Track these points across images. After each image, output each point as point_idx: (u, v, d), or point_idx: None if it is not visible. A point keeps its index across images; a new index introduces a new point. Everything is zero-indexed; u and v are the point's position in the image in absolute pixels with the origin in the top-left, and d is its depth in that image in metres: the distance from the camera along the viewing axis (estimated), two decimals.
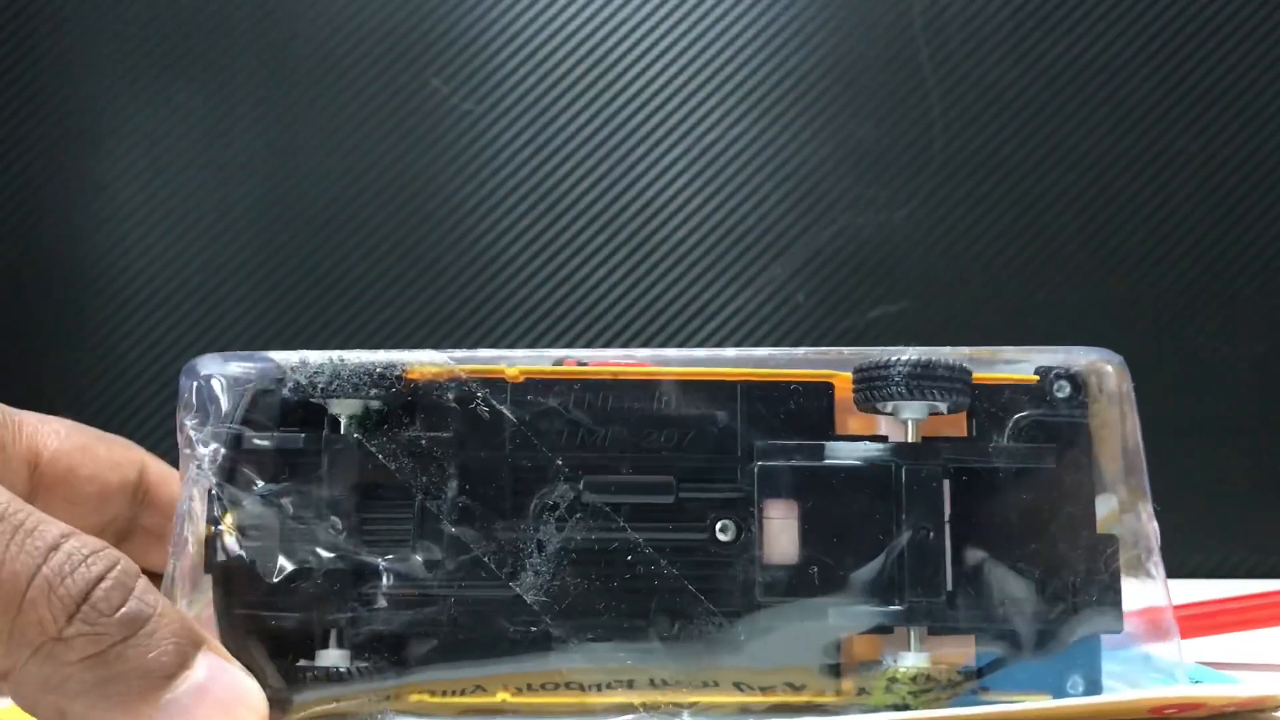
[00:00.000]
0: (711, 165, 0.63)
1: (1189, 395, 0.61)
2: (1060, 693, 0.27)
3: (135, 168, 0.66)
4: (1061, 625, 0.27)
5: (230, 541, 0.27)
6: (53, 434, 0.33)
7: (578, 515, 0.27)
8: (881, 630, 0.27)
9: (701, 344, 0.62)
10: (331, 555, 0.27)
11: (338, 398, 0.28)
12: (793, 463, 0.28)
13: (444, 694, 0.27)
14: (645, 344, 0.62)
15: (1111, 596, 0.28)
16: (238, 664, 0.25)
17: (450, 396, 0.28)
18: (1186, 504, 0.60)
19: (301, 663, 0.27)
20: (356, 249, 0.64)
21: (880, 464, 0.28)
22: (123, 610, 0.23)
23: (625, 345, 0.63)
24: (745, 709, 0.27)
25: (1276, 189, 0.61)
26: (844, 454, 0.28)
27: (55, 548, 0.23)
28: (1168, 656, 0.28)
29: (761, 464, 0.28)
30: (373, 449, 0.28)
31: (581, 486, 0.27)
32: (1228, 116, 0.61)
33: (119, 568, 0.24)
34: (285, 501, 0.28)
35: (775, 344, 0.62)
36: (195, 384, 0.29)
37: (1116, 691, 0.27)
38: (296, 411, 0.28)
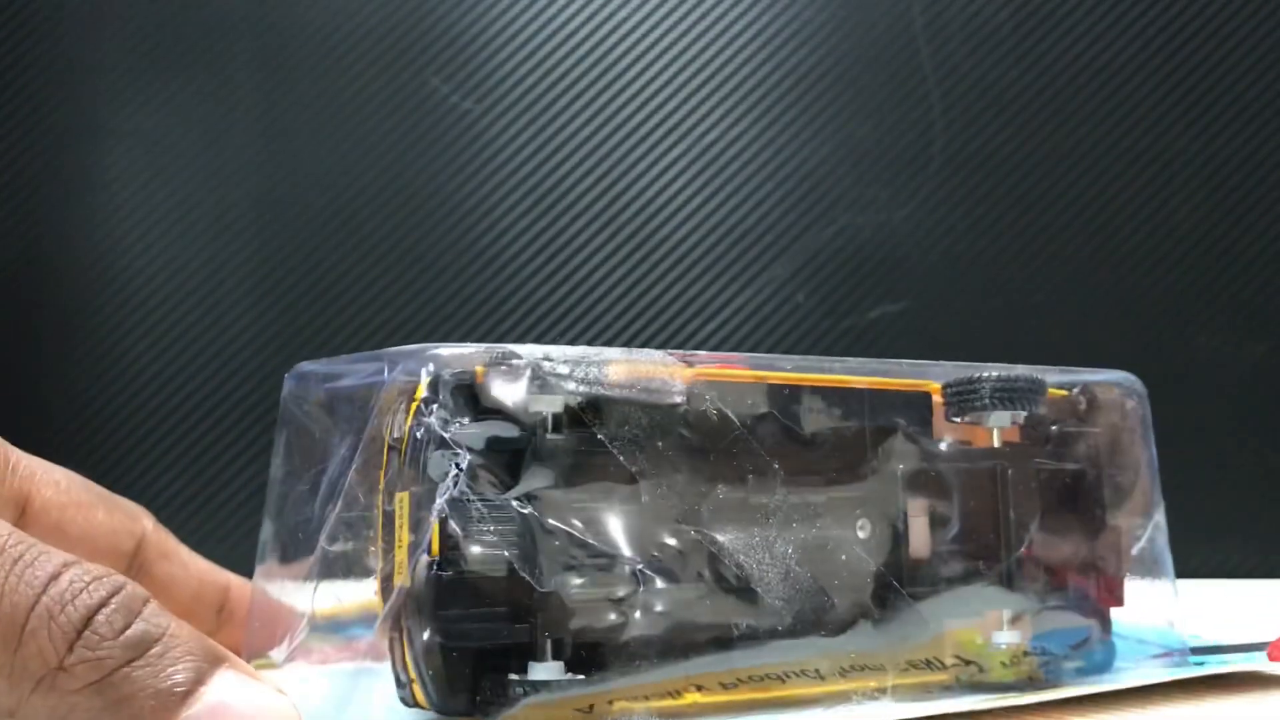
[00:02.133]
0: (712, 165, 0.63)
1: (1190, 395, 0.61)
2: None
3: (135, 167, 0.66)
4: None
5: (474, 550, 0.25)
6: (50, 483, 0.32)
7: (781, 515, 0.28)
8: (1020, 612, 0.31)
9: (701, 344, 0.62)
10: (589, 560, 0.26)
11: (598, 394, 0.27)
12: (926, 465, 0.30)
13: (645, 698, 0.27)
14: (645, 344, 0.62)
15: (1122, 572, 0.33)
16: (264, 680, 0.24)
17: (677, 399, 0.27)
18: (1187, 503, 0.60)
19: (513, 677, 0.25)
20: (356, 248, 0.64)
21: (989, 466, 0.31)
22: (127, 633, 0.22)
23: (625, 345, 0.63)
24: (926, 687, 0.29)
25: (1277, 189, 0.61)
26: (958, 457, 0.31)
27: (55, 577, 0.22)
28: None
29: (903, 467, 0.30)
30: (617, 448, 0.27)
31: (785, 488, 0.29)
32: (1228, 116, 0.61)
33: (124, 592, 0.23)
34: (530, 507, 0.26)
35: (776, 345, 0.62)
36: (436, 379, 0.27)
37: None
38: (491, 412, 0.27)
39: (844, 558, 0.29)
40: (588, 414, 0.27)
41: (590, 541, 0.26)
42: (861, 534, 0.29)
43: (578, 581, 0.26)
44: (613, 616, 0.26)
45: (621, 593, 0.26)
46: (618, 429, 0.27)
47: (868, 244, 0.62)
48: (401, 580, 0.25)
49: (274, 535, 0.33)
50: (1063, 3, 0.62)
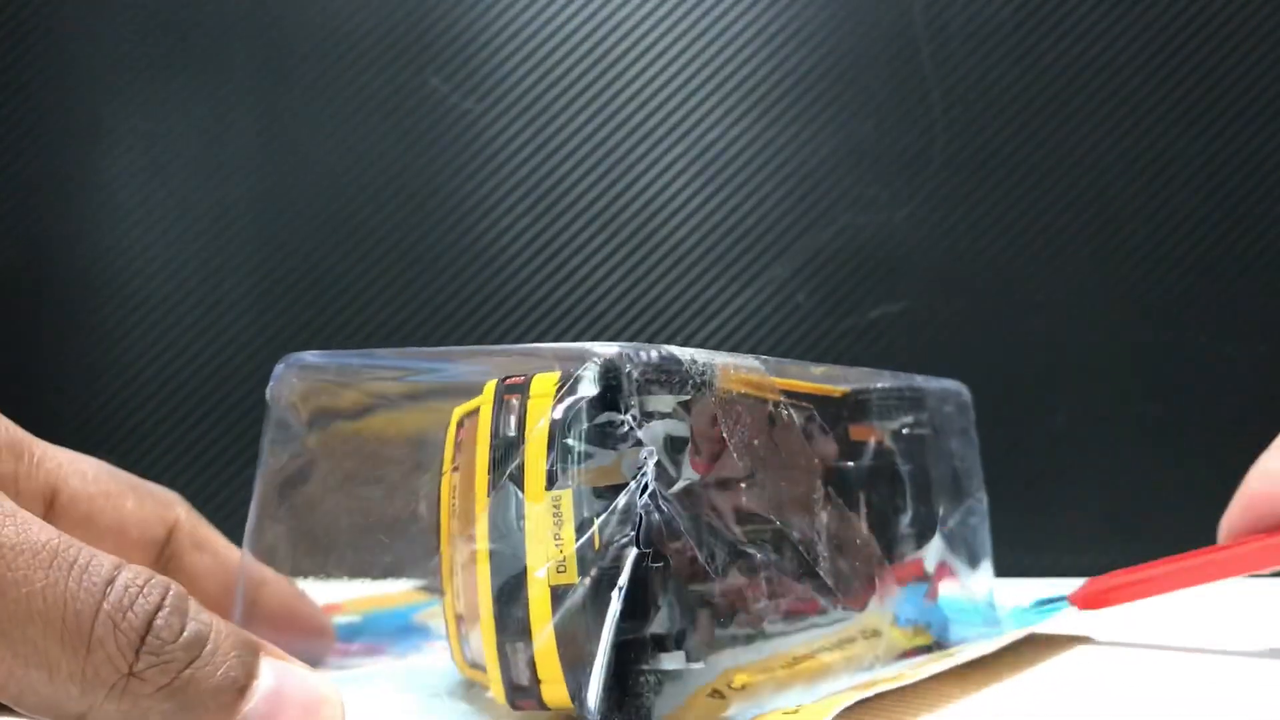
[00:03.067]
0: (712, 164, 0.63)
1: (1190, 395, 0.61)
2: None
3: (134, 167, 0.66)
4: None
5: (674, 543, 0.25)
6: (77, 474, 0.32)
7: (820, 506, 0.31)
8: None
9: (702, 344, 0.62)
10: (742, 551, 0.27)
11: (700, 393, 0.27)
12: (863, 462, 0.33)
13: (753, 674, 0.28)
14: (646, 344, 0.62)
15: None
16: (301, 664, 0.25)
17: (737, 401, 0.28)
18: (1187, 504, 0.60)
19: (644, 666, 0.25)
20: (356, 248, 0.64)
21: (890, 461, 0.35)
22: (185, 634, 0.23)
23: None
24: (877, 654, 0.33)
25: (1277, 189, 0.61)
26: (869, 455, 0.34)
27: (111, 582, 0.23)
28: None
29: (854, 463, 0.33)
30: (734, 445, 0.27)
31: (827, 487, 0.31)
32: (1229, 117, 0.61)
33: (172, 592, 0.24)
34: (702, 496, 0.26)
35: (776, 345, 0.62)
36: (623, 370, 0.26)
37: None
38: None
39: (857, 542, 0.32)
40: (715, 414, 0.27)
41: (735, 532, 0.27)
42: (862, 522, 0.32)
43: (729, 569, 0.27)
44: (744, 602, 0.27)
45: (751, 580, 0.27)
46: (733, 428, 0.28)
47: (868, 244, 0.62)
48: (565, 579, 0.25)
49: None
50: (1064, 3, 0.62)
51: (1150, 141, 0.61)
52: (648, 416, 0.26)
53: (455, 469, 0.28)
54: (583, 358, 0.26)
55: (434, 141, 0.64)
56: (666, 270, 0.63)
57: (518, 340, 0.63)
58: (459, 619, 0.29)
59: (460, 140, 0.64)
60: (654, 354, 0.26)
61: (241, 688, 0.23)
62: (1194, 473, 0.60)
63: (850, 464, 0.32)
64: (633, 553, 0.25)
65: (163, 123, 0.66)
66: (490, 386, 0.27)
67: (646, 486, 0.25)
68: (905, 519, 0.35)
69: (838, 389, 0.33)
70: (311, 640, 0.35)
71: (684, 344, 0.62)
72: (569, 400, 0.26)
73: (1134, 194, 0.61)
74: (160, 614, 0.23)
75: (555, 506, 0.26)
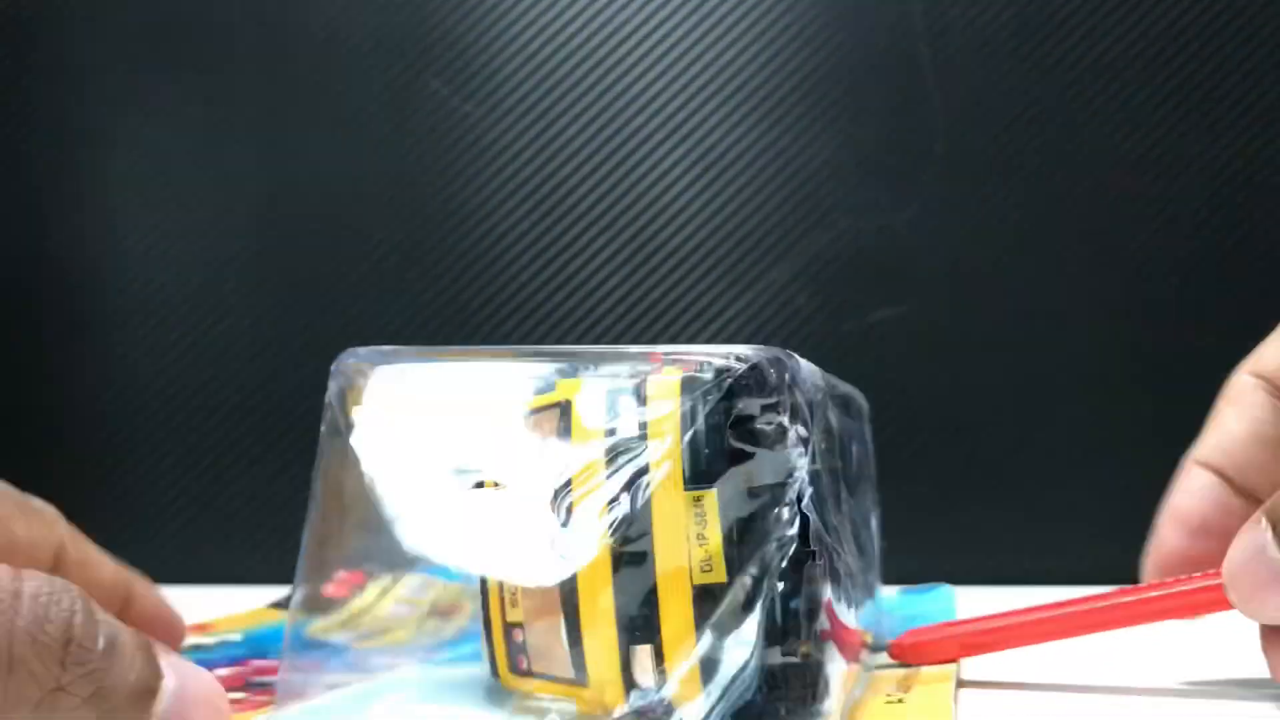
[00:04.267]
0: (712, 167, 0.63)
1: (1190, 397, 0.61)
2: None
3: (135, 170, 0.66)
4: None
5: (826, 539, 0.26)
6: None
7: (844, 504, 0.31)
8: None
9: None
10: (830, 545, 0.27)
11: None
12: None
13: None
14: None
15: None
16: (181, 658, 0.25)
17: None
18: None
19: (774, 662, 0.26)
20: (356, 251, 0.64)
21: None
22: (103, 640, 0.23)
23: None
24: None
25: (1279, 191, 0.61)
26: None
27: (18, 594, 0.22)
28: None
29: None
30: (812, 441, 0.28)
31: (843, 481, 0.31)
32: (1231, 118, 0.61)
33: (80, 599, 0.23)
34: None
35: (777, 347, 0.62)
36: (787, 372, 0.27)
37: None
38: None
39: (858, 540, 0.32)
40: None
41: (827, 526, 0.27)
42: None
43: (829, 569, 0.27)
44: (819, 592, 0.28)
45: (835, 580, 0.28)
46: (816, 427, 0.28)
47: (869, 247, 0.62)
48: (712, 578, 0.25)
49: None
50: (1065, 5, 0.62)
51: (1151, 143, 0.61)
52: (792, 419, 0.26)
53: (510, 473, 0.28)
54: (640, 359, 0.27)
55: (434, 144, 0.64)
56: (667, 273, 0.63)
57: (517, 342, 0.63)
58: (512, 628, 0.28)
59: (460, 143, 0.64)
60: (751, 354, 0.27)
61: (153, 689, 0.23)
62: None
63: (844, 466, 0.33)
64: (796, 551, 0.25)
65: (163, 126, 0.66)
66: (569, 387, 0.27)
67: (803, 488, 0.25)
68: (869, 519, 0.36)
69: None
70: (170, 630, 0.36)
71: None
72: (718, 399, 0.26)
73: (1135, 196, 0.61)
74: (74, 624, 0.22)
75: (698, 505, 0.25)
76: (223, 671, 0.37)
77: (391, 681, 0.32)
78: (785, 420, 0.26)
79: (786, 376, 0.26)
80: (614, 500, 0.26)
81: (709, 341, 0.63)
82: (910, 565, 0.44)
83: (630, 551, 0.26)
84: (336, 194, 0.65)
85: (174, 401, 0.65)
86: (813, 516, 0.26)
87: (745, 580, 0.25)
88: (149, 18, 0.66)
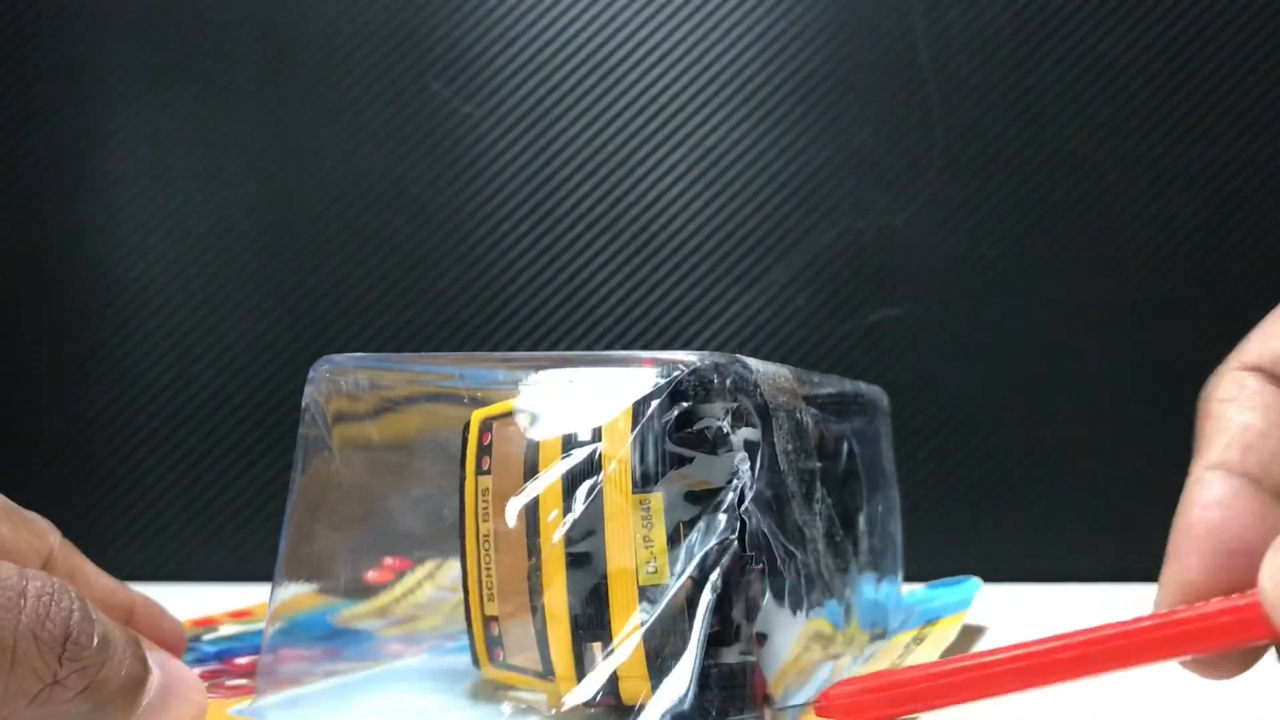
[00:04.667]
0: (712, 168, 0.63)
1: (1190, 398, 0.61)
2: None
3: (134, 171, 0.66)
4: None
5: (770, 545, 0.27)
6: None
7: (819, 507, 0.32)
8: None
9: (702, 347, 0.62)
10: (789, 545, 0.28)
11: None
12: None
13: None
14: (645, 347, 0.63)
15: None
16: (168, 654, 0.26)
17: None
18: None
19: (709, 661, 0.26)
20: (356, 252, 0.65)
21: (854, 463, 0.36)
22: (97, 638, 0.24)
23: (626, 349, 0.63)
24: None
25: (1276, 193, 0.61)
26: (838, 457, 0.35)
27: (23, 594, 0.23)
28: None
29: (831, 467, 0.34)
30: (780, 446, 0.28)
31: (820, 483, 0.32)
32: (1228, 119, 0.61)
33: (75, 597, 0.24)
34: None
35: (776, 348, 0.62)
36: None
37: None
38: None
39: (837, 540, 0.32)
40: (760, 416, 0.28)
41: (783, 534, 0.28)
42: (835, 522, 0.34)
43: (791, 566, 0.28)
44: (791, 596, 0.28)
45: (794, 579, 0.28)
46: (778, 433, 0.28)
47: (868, 247, 0.62)
48: (656, 579, 0.26)
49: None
50: (1063, 7, 0.62)
51: (1149, 145, 0.61)
52: (736, 423, 0.27)
53: (485, 471, 0.29)
54: (626, 363, 0.27)
55: (434, 146, 0.64)
56: (666, 274, 0.63)
57: (517, 343, 0.63)
58: (490, 621, 0.29)
59: (461, 144, 0.64)
60: (710, 361, 0.27)
61: (140, 681, 0.25)
62: None
63: (826, 465, 0.33)
64: (733, 554, 0.26)
65: (164, 127, 0.66)
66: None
67: (744, 492, 0.26)
68: (863, 517, 0.36)
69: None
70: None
71: (682, 347, 0.62)
72: (661, 404, 0.26)
73: (1133, 197, 0.61)
74: (73, 621, 0.24)
75: (644, 509, 0.26)
76: (243, 660, 0.38)
77: (385, 671, 0.32)
78: (726, 424, 0.26)
79: (729, 381, 0.27)
80: (568, 500, 0.27)
81: (703, 346, 0.63)
82: (909, 564, 0.44)
83: (578, 552, 0.27)
84: (336, 195, 0.65)
85: (174, 401, 0.65)
86: (753, 521, 0.26)
87: (686, 582, 0.26)
88: (149, 18, 0.66)
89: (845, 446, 0.35)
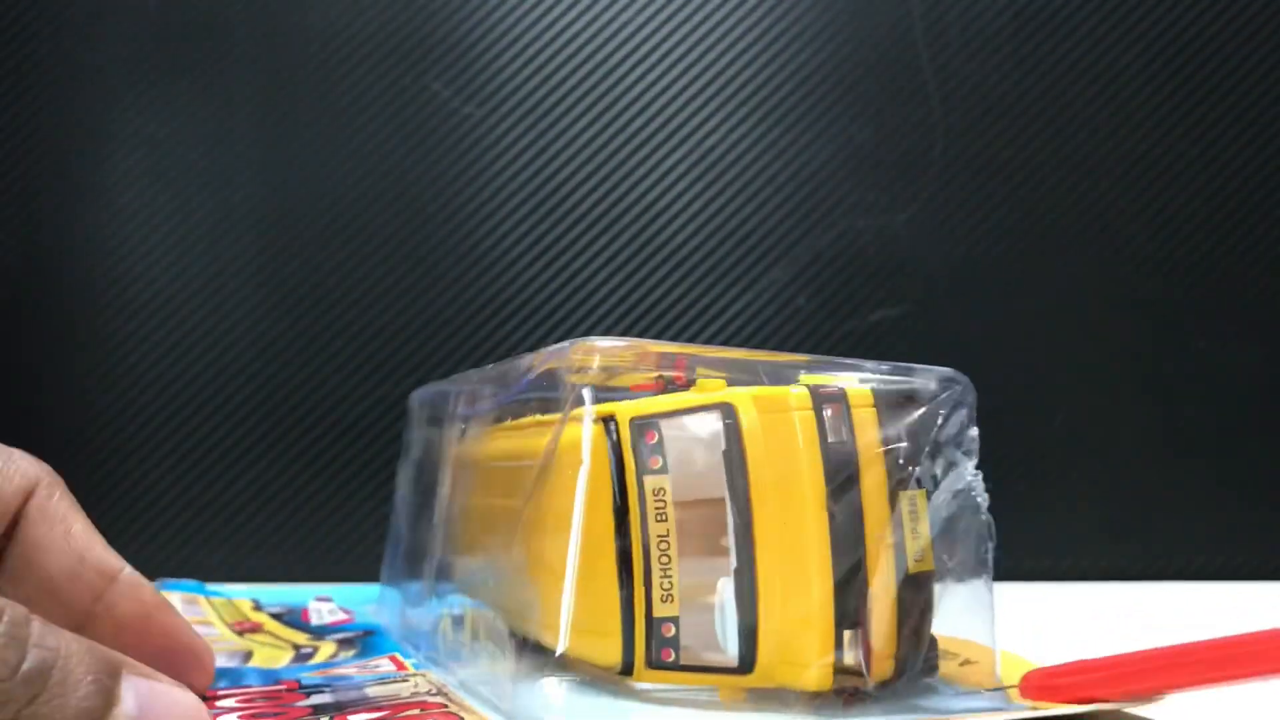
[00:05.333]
0: (712, 169, 0.63)
1: (1189, 398, 0.61)
2: None
3: (136, 171, 0.66)
4: None
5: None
6: None
7: None
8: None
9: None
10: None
11: None
12: None
13: None
14: None
15: None
16: (165, 678, 0.23)
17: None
18: (1188, 506, 0.60)
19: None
20: (357, 253, 0.64)
21: None
22: (24, 667, 0.20)
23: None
24: None
25: (1276, 193, 0.61)
26: None
27: None
28: None
29: None
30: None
31: None
32: (1228, 119, 0.61)
33: (6, 618, 0.20)
34: None
35: (776, 348, 0.62)
36: None
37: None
38: None
39: None
40: None
41: None
42: None
43: None
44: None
45: None
46: None
47: (868, 247, 0.62)
48: (923, 566, 0.29)
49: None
50: (1062, 7, 0.62)
51: (1148, 145, 0.61)
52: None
53: (656, 471, 0.30)
54: (854, 369, 0.31)
55: (435, 146, 0.64)
56: (667, 274, 0.63)
57: (517, 344, 0.63)
58: (661, 623, 0.30)
59: (461, 145, 0.64)
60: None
61: (99, 717, 0.21)
62: (1193, 475, 0.60)
63: None
64: (991, 545, 0.31)
65: (165, 127, 0.66)
66: (802, 395, 0.30)
67: (981, 491, 0.31)
68: None
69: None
70: (178, 658, 0.30)
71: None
72: (957, 417, 0.31)
73: (1132, 197, 0.61)
74: None
75: (912, 505, 0.29)
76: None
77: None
78: (975, 433, 0.31)
79: (971, 396, 0.31)
80: (829, 503, 0.29)
81: (708, 341, 0.63)
82: None
83: (843, 546, 0.29)
84: (337, 194, 0.65)
85: (174, 401, 0.65)
86: (989, 518, 0.31)
87: (949, 571, 0.30)
88: (150, 18, 0.66)
89: None
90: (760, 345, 0.62)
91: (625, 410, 0.30)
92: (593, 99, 0.64)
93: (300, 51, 0.65)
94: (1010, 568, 0.58)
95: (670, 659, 0.29)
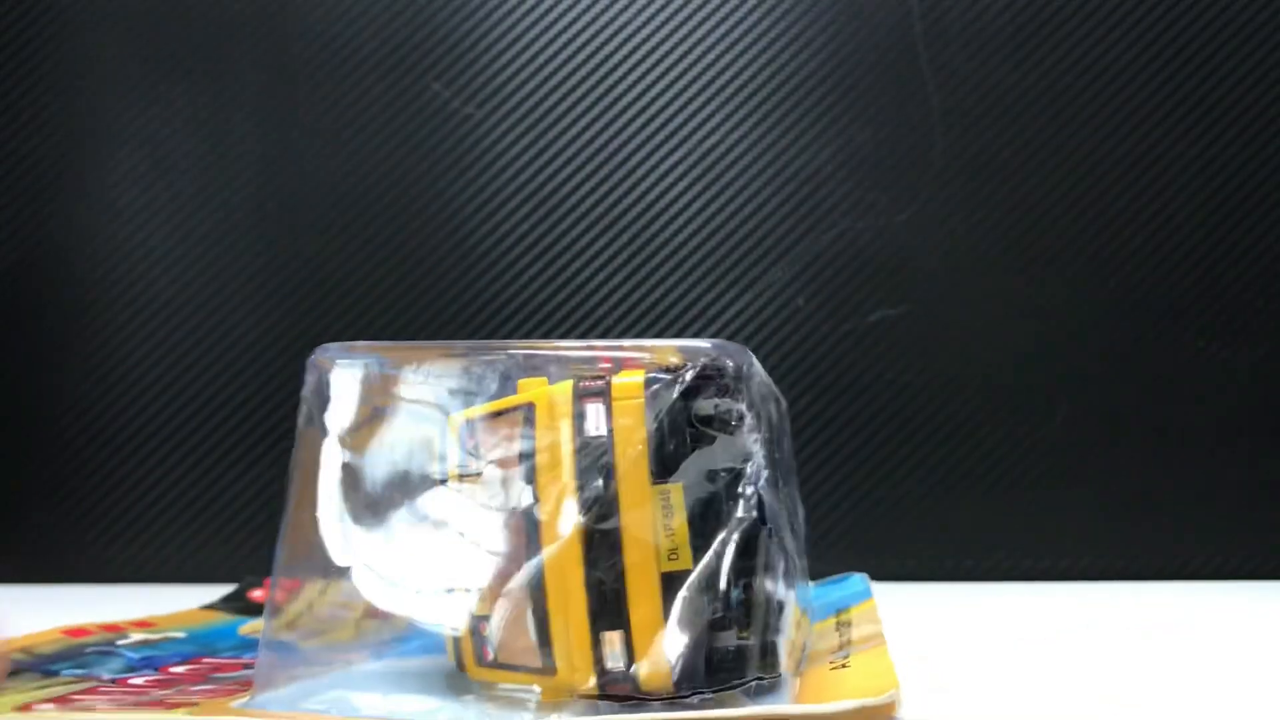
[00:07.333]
0: (712, 169, 0.63)
1: (1188, 398, 0.61)
2: None
3: (136, 170, 0.66)
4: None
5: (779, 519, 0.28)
6: None
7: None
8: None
9: None
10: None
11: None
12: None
13: None
14: None
15: None
16: None
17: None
18: (1186, 506, 0.60)
19: (718, 645, 0.27)
20: (357, 252, 0.65)
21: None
22: None
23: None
24: None
25: (1275, 193, 0.61)
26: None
27: None
28: None
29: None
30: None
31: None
32: (1227, 120, 0.61)
33: None
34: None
35: (776, 349, 0.62)
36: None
37: None
38: None
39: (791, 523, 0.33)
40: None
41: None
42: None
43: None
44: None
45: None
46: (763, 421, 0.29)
47: (867, 248, 0.62)
48: (678, 564, 0.26)
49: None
50: (1062, 7, 0.62)
51: (1148, 145, 0.61)
52: (750, 407, 0.27)
53: (468, 475, 0.29)
54: (634, 352, 0.28)
55: (435, 146, 0.64)
56: (667, 274, 0.63)
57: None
58: (479, 621, 0.29)
59: (461, 145, 0.64)
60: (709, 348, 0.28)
61: None
62: (1192, 475, 0.60)
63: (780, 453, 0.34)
64: (763, 533, 0.27)
65: (166, 126, 0.66)
66: (566, 388, 0.28)
67: (762, 469, 0.27)
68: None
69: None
70: None
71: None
72: (679, 391, 0.27)
73: (1132, 197, 0.61)
74: None
75: (665, 499, 0.27)
76: (178, 669, 0.38)
77: (359, 675, 0.32)
78: (743, 407, 0.27)
79: (744, 368, 0.28)
80: (584, 497, 0.27)
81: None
82: (909, 564, 0.44)
83: (599, 544, 0.27)
84: (337, 195, 0.65)
85: (174, 402, 0.65)
86: (768, 497, 0.27)
87: (708, 565, 0.26)
88: (149, 18, 0.66)
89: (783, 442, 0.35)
90: (759, 347, 0.62)
91: (458, 414, 0.29)
92: (593, 99, 0.64)
93: (301, 51, 0.65)
94: (1010, 568, 0.59)
95: (490, 658, 0.29)
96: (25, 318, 0.66)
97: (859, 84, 0.63)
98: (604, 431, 0.27)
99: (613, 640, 0.27)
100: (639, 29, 0.64)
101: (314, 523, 0.32)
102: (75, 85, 0.66)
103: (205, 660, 0.39)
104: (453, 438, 0.29)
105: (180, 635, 0.44)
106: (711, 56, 0.63)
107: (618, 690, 0.27)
